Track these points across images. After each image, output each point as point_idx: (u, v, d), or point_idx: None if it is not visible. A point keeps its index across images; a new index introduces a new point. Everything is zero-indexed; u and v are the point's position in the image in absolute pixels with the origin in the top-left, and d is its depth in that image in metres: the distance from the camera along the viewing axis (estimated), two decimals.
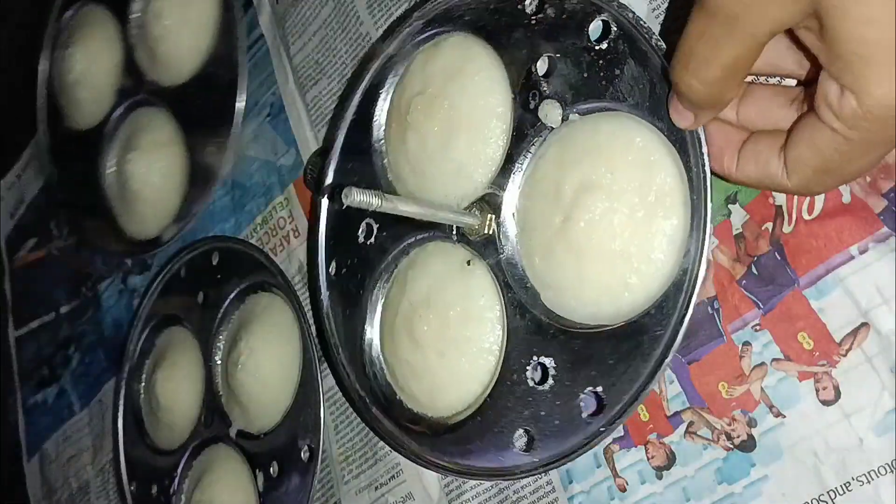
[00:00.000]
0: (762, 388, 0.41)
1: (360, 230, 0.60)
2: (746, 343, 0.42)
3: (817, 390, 0.40)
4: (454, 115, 0.54)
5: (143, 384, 0.80)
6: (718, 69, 0.36)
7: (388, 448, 0.59)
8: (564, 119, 0.49)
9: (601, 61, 0.47)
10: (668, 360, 0.42)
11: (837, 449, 0.39)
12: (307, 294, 0.67)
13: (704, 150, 0.42)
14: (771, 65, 0.41)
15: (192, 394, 0.74)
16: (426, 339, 0.54)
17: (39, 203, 1.08)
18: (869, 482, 0.38)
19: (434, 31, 0.57)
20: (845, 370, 0.39)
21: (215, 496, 0.69)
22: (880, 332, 0.38)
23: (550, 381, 0.48)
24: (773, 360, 0.41)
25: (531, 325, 0.49)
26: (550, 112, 0.50)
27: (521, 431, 0.49)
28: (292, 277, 0.68)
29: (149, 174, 0.73)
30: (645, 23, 0.44)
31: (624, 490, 0.46)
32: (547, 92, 0.50)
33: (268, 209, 0.72)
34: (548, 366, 0.48)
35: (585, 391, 0.46)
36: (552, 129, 0.50)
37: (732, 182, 0.42)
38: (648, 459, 0.46)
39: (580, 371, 0.47)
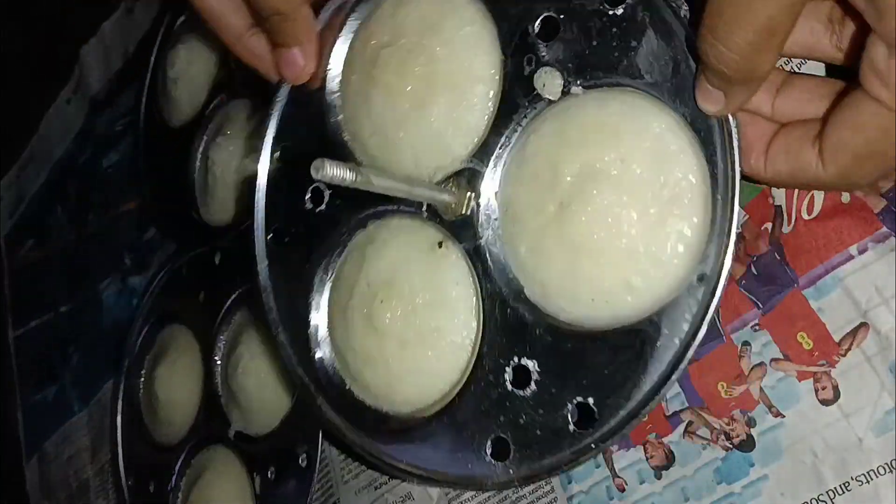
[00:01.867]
0: (761, 388, 0.42)
1: (307, 195, 0.53)
2: (746, 343, 0.43)
3: (816, 390, 0.40)
4: (432, 74, 0.48)
5: (142, 379, 0.80)
6: (751, 33, 0.32)
7: None
8: (565, 92, 0.44)
9: (615, 29, 0.42)
10: (674, 377, 0.39)
11: (837, 449, 0.39)
12: None
13: (735, 143, 0.38)
14: (807, 47, 0.39)
15: (191, 391, 0.75)
16: (387, 326, 0.49)
17: (39, 201, 1.07)
18: (868, 482, 0.39)
19: None
20: (844, 370, 0.40)
21: (212, 496, 0.70)
22: (879, 332, 0.39)
23: (533, 386, 0.44)
24: (773, 359, 0.42)
25: (513, 321, 0.45)
26: (549, 82, 0.44)
27: (493, 438, 0.45)
28: None
29: (231, 160, 0.74)
30: None
31: (623, 490, 0.47)
32: (546, 58, 0.44)
33: None
34: (530, 369, 0.44)
35: (574, 401, 0.43)
36: (550, 101, 0.44)
37: (761, 182, 0.41)
38: (647, 459, 0.46)
39: (568, 378, 0.43)
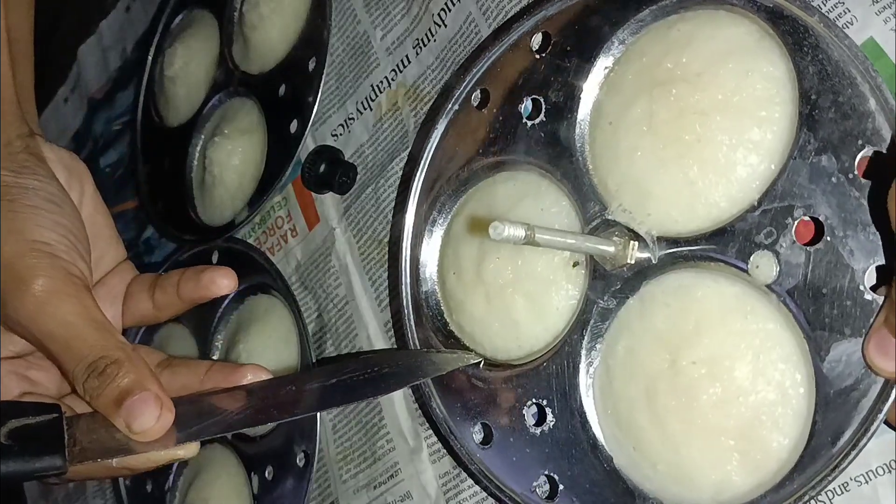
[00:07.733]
0: None
1: (525, 107, 0.52)
2: None
3: None
4: (706, 143, 0.44)
5: None
6: None
7: (387, 447, 0.59)
8: (769, 285, 0.41)
9: (838, 308, 0.39)
10: None
11: None
12: (305, 296, 0.67)
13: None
14: None
15: None
16: (487, 277, 0.52)
17: None
18: (867, 482, 0.39)
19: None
20: None
21: (210, 496, 0.69)
22: None
23: (548, 424, 0.49)
24: None
25: (561, 369, 0.49)
26: (765, 267, 0.41)
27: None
28: (289, 277, 0.69)
29: (229, 160, 0.75)
30: None
31: None
32: (781, 249, 0.41)
33: (266, 208, 0.72)
34: (547, 412, 0.49)
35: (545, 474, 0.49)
36: (746, 273, 0.42)
37: None
38: None
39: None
